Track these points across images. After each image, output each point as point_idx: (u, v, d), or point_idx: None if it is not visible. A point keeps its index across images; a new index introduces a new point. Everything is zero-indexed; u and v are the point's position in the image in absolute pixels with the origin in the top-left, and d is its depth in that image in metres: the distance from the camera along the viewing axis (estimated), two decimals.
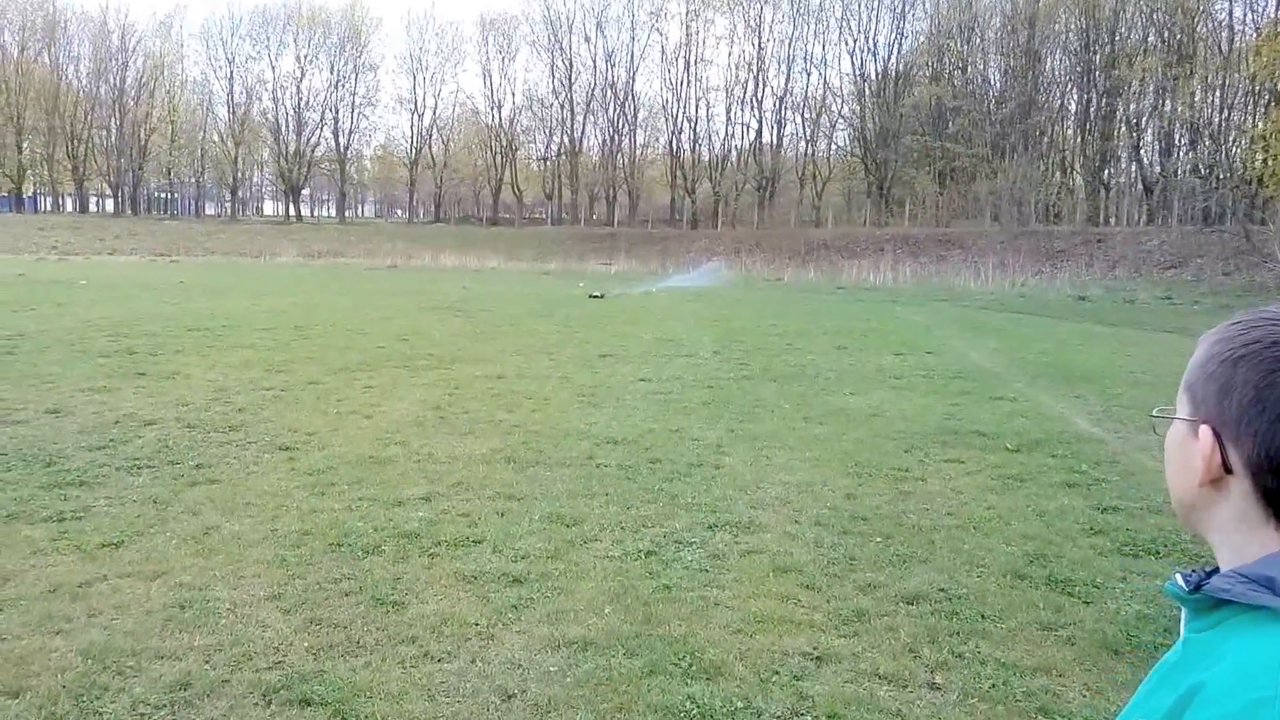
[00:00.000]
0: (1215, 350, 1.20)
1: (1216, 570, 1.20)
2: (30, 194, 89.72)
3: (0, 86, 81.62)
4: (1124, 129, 59.72)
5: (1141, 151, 59.69)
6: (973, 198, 62.87)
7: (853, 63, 75.78)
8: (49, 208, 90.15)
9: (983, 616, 5.53)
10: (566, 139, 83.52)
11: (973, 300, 35.34)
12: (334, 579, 5.95)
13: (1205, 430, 1.18)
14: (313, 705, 4.41)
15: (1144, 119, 59.14)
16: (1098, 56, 59.16)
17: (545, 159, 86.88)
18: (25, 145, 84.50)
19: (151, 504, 7.45)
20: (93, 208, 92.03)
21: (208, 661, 4.82)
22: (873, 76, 73.35)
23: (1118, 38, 58.61)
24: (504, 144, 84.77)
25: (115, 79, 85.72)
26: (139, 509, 7.31)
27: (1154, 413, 1.34)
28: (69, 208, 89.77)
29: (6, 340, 16.53)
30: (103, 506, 7.35)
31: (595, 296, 31.99)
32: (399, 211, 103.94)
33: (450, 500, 7.74)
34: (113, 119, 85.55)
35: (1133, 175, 61.67)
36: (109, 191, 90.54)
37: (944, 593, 5.88)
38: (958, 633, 5.31)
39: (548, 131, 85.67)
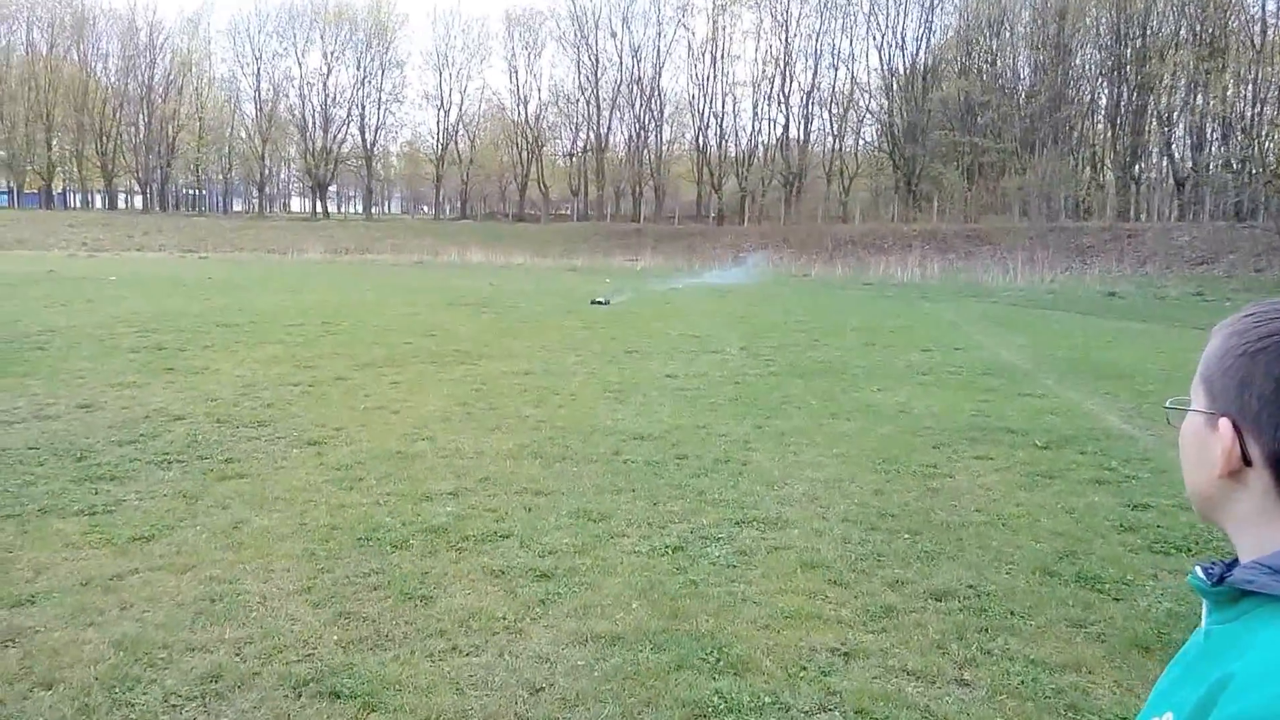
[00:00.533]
0: (1231, 343, 1.20)
1: (1236, 562, 1.20)
2: (60, 190, 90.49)
3: (30, 83, 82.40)
4: (1155, 123, 59.28)
5: (1173, 146, 59.29)
6: (1001, 193, 62.57)
7: (880, 57, 75.35)
8: (78, 204, 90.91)
9: (1012, 613, 5.50)
10: (592, 135, 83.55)
11: (1001, 296, 35.15)
12: (362, 573, 5.98)
13: (1225, 423, 1.18)
14: (342, 698, 4.43)
15: (1175, 113, 58.71)
16: (1129, 50, 58.75)
17: (571, 155, 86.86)
18: (55, 142, 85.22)
19: (181, 498, 7.50)
20: (121, 204, 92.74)
21: (238, 654, 4.85)
22: (900, 71, 73.09)
23: (1149, 31, 58.18)
24: (530, 140, 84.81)
25: (143, 76, 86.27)
26: (169, 503, 7.36)
27: (1168, 404, 1.35)
28: (98, 204, 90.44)
29: (38, 336, 16.68)
30: (133, 501, 7.40)
31: (599, 303, 26.76)
32: (425, 208, 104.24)
33: (477, 495, 7.75)
34: (141, 116, 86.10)
35: (1164, 170, 61.22)
36: (137, 188, 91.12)
37: (973, 589, 5.85)
38: (986, 629, 5.29)
39: (574, 127, 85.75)
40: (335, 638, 5.07)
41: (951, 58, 70.98)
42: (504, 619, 5.34)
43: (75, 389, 11.98)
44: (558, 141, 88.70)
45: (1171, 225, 50.47)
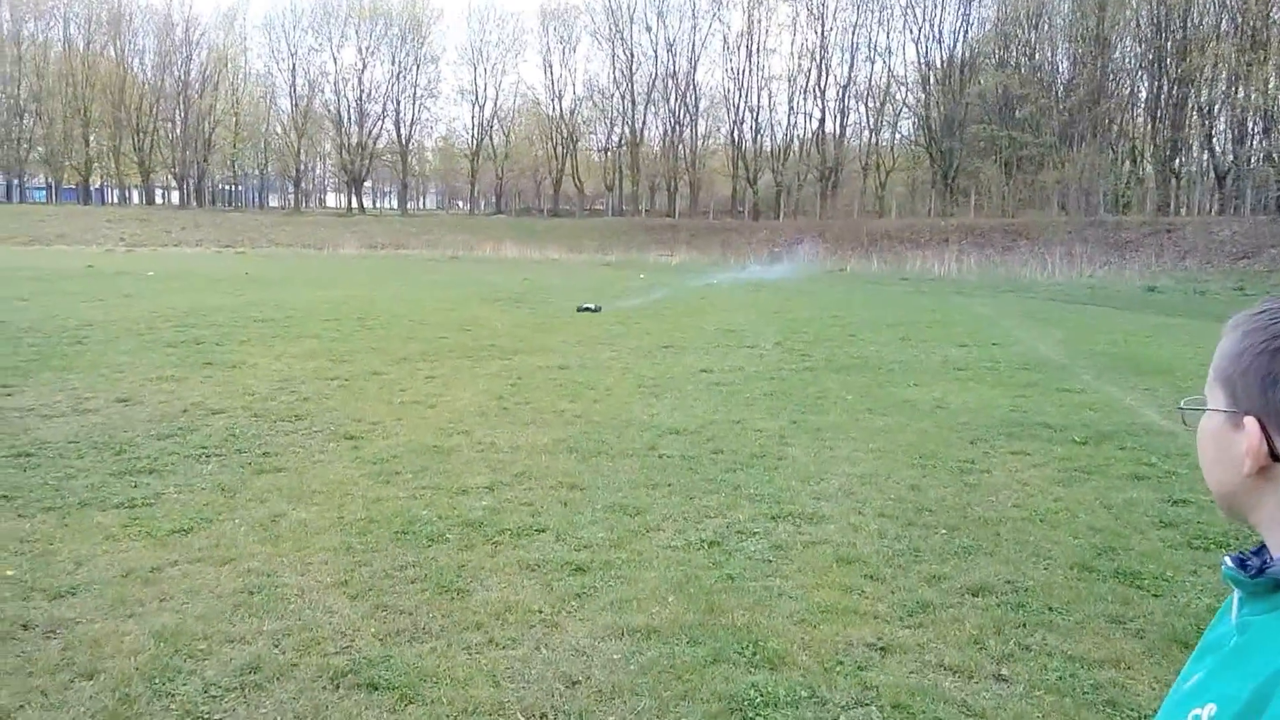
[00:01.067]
0: (1247, 343, 1.21)
1: (1263, 548, 1.20)
2: (97, 186, 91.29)
3: (67, 79, 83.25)
4: (1195, 116, 58.55)
5: (1213, 139, 58.49)
6: (1040, 187, 62.07)
7: (917, 50, 75.17)
8: (115, 200, 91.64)
9: (1050, 609, 5.46)
10: (627, 130, 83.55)
11: (1039, 291, 34.91)
12: (399, 566, 6.00)
13: (1251, 421, 1.18)
14: (380, 690, 4.46)
15: (1216, 106, 57.93)
16: (1169, 43, 58.02)
17: (606, 150, 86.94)
18: (92, 138, 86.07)
19: (220, 491, 7.55)
20: (159, 200, 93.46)
21: (277, 646, 4.88)
22: (938, 64, 72.61)
23: (1189, 24, 57.46)
24: (565, 135, 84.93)
25: (180, 72, 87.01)
26: (208, 496, 7.42)
27: (1182, 404, 1.34)
28: (135, 200, 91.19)
29: (76, 330, 16.84)
30: (172, 494, 7.46)
31: (587, 309, 23.33)
32: (460, 203, 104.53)
33: (513, 489, 7.77)
34: (177, 111, 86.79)
35: (1204, 164, 60.52)
36: (174, 184, 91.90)
37: (1010, 585, 5.81)
38: (1024, 625, 5.25)
39: (609, 122, 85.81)
40: (373, 630, 5.09)
41: (989, 51, 70.35)
42: (540, 612, 5.35)
43: (114, 383, 12.09)
44: (592, 136, 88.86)
45: (1212, 219, 49.92)
